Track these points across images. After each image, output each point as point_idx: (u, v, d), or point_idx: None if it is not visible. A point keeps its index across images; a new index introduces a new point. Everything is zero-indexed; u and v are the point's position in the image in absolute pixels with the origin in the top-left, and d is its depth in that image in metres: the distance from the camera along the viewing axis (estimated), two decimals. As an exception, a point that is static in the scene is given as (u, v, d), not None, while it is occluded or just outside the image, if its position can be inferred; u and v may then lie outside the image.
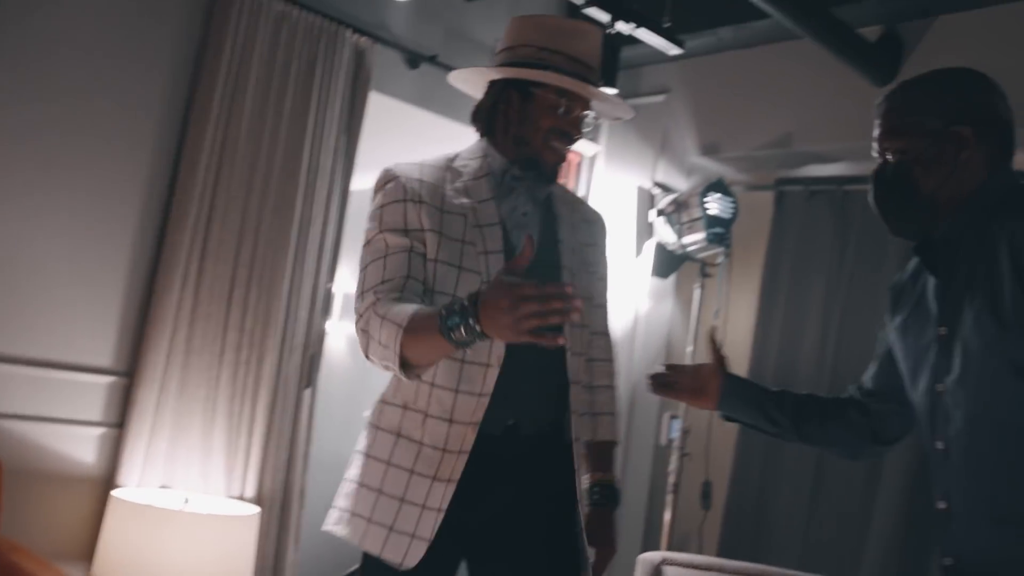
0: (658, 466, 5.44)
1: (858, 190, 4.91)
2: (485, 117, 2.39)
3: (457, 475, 2.12)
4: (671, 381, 2.32)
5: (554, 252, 2.31)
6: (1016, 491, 1.64)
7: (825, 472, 4.74)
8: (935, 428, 1.83)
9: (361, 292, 2.17)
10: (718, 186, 4.85)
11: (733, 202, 4.86)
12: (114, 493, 3.54)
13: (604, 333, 2.57)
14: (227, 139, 3.95)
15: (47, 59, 3.62)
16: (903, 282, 2.00)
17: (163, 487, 3.76)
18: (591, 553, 2.29)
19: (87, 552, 3.64)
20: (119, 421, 3.80)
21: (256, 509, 3.76)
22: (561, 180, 5.09)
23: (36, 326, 3.63)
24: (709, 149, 5.15)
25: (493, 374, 2.14)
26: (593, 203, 4.08)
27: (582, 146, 5.22)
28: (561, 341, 1.74)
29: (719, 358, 2.31)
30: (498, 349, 2.15)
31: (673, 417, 5.04)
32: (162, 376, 3.80)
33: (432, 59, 4.69)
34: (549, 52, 2.23)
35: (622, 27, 4.10)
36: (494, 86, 2.36)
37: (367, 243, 2.24)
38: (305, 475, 4.21)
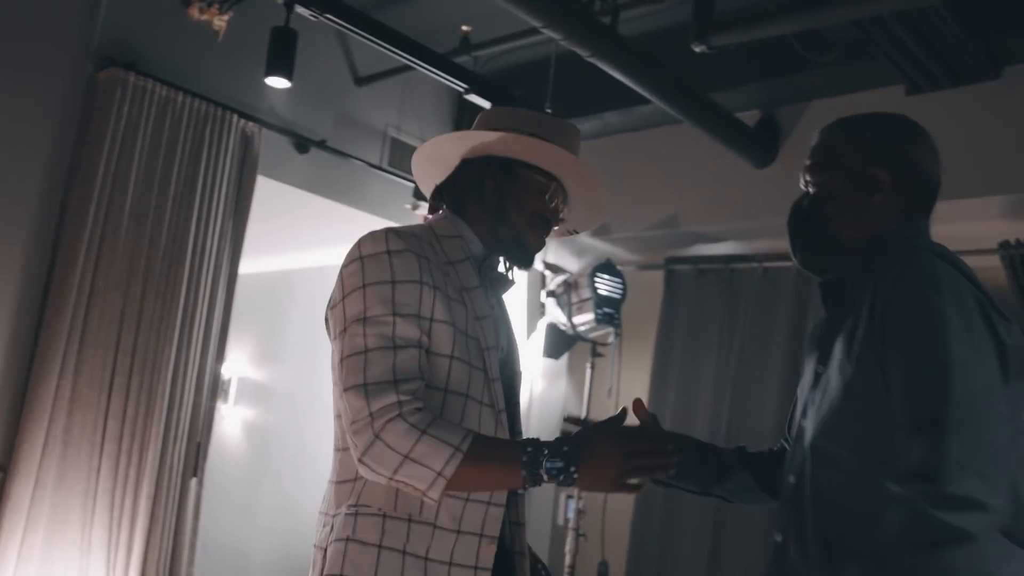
0: (555, 546, 5.40)
1: (745, 268, 5.05)
2: (458, 194, 2.08)
3: None
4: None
5: (514, 351, 2.14)
6: (841, 529, 1.68)
7: (723, 548, 4.77)
8: (792, 462, 1.85)
9: (364, 384, 1.76)
10: (607, 267, 4.94)
11: (621, 282, 4.94)
12: (-17, 594, 3.37)
13: None
14: (108, 224, 3.87)
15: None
16: (818, 324, 2.00)
17: (38, 586, 3.59)
18: None
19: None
20: (-9, 517, 3.63)
21: (137, 606, 3.61)
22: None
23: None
24: (599, 230, 5.24)
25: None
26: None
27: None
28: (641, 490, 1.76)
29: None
30: None
31: (569, 497, 5.03)
32: (37, 469, 3.65)
33: (321, 143, 4.70)
34: (537, 138, 2.04)
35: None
36: (471, 163, 2.08)
37: (365, 319, 1.80)
38: (192, 567, 4.07)
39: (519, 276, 2.27)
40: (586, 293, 4.84)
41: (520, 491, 1.85)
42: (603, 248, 5.38)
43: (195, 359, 4.12)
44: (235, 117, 4.28)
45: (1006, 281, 4.24)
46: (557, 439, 1.73)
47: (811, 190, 1.88)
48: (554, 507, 5.37)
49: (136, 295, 3.93)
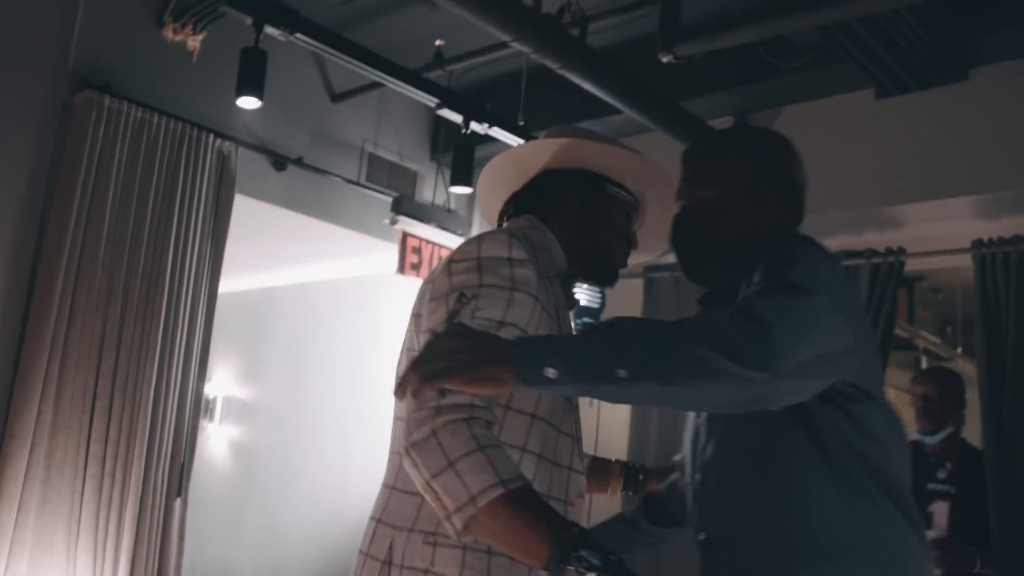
0: None
1: (722, 274, 5.06)
2: (542, 204, 1.97)
3: None
4: None
5: None
6: (756, 510, 1.73)
7: None
8: (695, 462, 1.90)
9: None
10: (585, 280, 4.96)
11: (601, 291, 4.97)
12: (-32, 619, 3.37)
13: None
14: (86, 247, 3.89)
15: None
16: None
17: (22, 610, 3.60)
18: None
19: None
20: (-26, 543, 3.63)
21: (123, 627, 3.62)
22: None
23: None
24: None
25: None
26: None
27: (454, 241, 5.30)
28: None
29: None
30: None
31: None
32: (21, 494, 3.66)
33: (298, 161, 4.73)
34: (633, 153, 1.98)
35: (476, 127, 4.22)
36: (558, 173, 1.97)
37: (473, 319, 1.65)
38: (177, 588, 4.08)
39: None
40: (565, 303, 4.87)
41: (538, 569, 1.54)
42: (582, 258, 5.40)
43: (177, 379, 4.13)
44: (211, 137, 4.30)
45: (974, 280, 4.27)
46: (607, 546, 1.44)
47: (693, 203, 1.89)
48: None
49: (116, 317, 3.94)
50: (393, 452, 1.84)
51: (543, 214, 1.94)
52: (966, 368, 7.56)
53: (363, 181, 5.12)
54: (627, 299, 5.33)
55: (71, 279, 3.85)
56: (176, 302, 4.14)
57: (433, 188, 5.50)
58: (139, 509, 3.92)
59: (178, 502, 4.12)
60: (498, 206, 2.06)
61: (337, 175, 4.96)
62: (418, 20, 4.58)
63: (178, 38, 4.32)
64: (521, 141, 4.36)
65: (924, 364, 7.58)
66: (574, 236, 1.92)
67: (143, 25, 4.25)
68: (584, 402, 5.13)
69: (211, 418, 5.99)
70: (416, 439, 1.54)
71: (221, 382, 6.00)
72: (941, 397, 3.76)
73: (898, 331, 6.95)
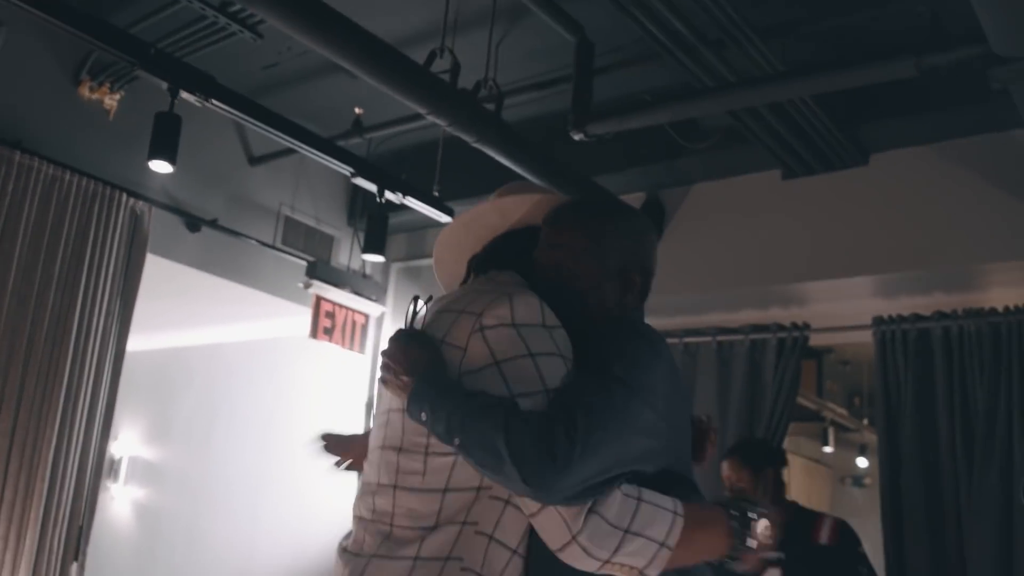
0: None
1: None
2: (523, 260, 1.96)
3: None
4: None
5: None
6: None
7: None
8: None
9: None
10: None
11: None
12: None
13: None
14: (-11, 304, 3.83)
15: None
16: None
17: None
18: None
19: None
20: None
21: None
22: (347, 341, 5.17)
23: None
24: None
25: None
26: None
27: (368, 306, 5.31)
28: None
29: None
30: None
31: None
32: (-93, 557, 3.55)
33: (213, 222, 4.71)
34: None
35: (391, 196, 4.27)
36: (533, 231, 1.96)
37: (546, 390, 1.64)
38: (70, 658, 3.96)
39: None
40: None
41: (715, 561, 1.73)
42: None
43: (79, 439, 4.06)
44: (124, 196, 4.27)
45: (874, 354, 4.41)
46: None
47: (562, 266, 1.87)
48: None
49: (16, 375, 3.87)
50: (379, 484, 1.78)
51: (526, 272, 1.90)
52: (872, 439, 7.75)
53: (279, 244, 5.12)
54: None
55: (-28, 337, 3.78)
56: (81, 360, 4.08)
57: (349, 253, 5.51)
58: (32, 574, 3.82)
59: (74, 567, 4.02)
60: (459, 261, 2.03)
61: (253, 238, 4.95)
62: (338, 88, 4.63)
63: (95, 96, 4.32)
64: (434, 211, 4.41)
65: (832, 434, 7.76)
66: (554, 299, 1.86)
67: (59, 82, 4.24)
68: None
69: (116, 479, 5.88)
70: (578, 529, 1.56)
71: (127, 442, 5.89)
72: (741, 480, 3.85)
73: (807, 402, 7.11)
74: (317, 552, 5.37)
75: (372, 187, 4.23)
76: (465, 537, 1.66)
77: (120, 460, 5.88)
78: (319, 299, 5.01)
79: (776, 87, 3.59)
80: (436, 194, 4.40)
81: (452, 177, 4.63)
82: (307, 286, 4.99)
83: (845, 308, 4.67)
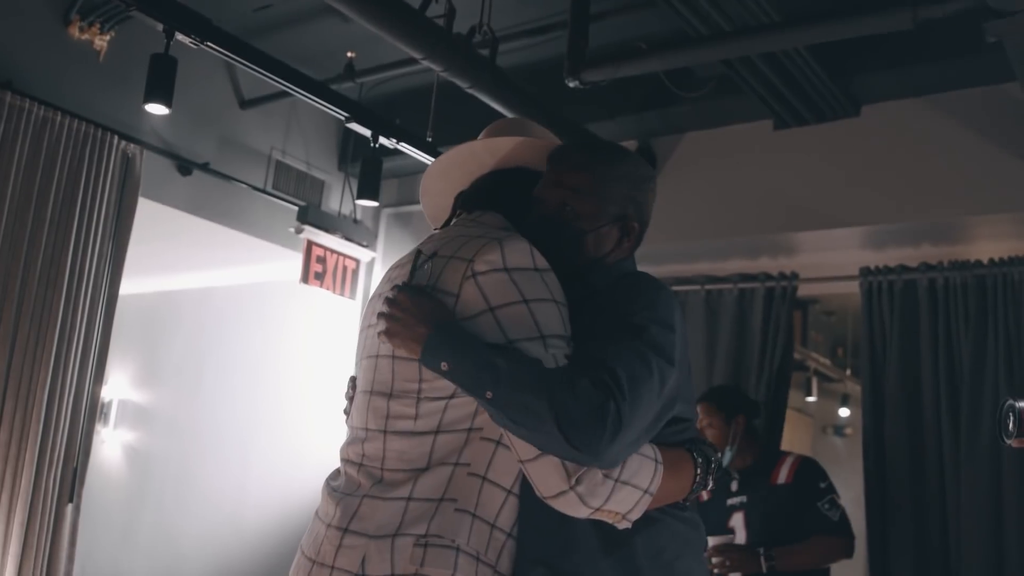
0: None
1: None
2: (511, 201, 1.96)
3: None
4: None
5: None
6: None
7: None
8: None
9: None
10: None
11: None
12: None
13: None
14: (-18, 246, 3.82)
15: None
16: None
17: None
18: None
19: None
20: None
21: (7, 635, 3.56)
22: (337, 287, 5.19)
23: None
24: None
25: None
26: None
27: (359, 252, 5.32)
28: None
29: None
30: None
31: None
32: (-97, 496, 3.58)
33: (204, 166, 4.70)
34: None
35: (385, 142, 4.26)
36: (525, 175, 1.96)
37: (543, 337, 1.66)
38: (65, 595, 4.02)
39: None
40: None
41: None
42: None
43: (72, 382, 4.08)
44: (116, 138, 4.25)
45: (861, 305, 4.46)
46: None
47: (562, 207, 1.87)
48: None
49: (10, 318, 3.88)
50: (367, 429, 1.79)
51: (512, 216, 1.90)
52: (854, 389, 7.84)
53: (269, 189, 5.11)
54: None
55: (-35, 279, 3.78)
56: (74, 304, 4.08)
57: (340, 198, 5.51)
58: (28, 515, 3.86)
59: (70, 508, 4.06)
60: (447, 194, 2.01)
61: (243, 182, 4.94)
62: (330, 31, 4.61)
63: (84, 37, 4.28)
64: (428, 157, 4.40)
65: (815, 384, 7.84)
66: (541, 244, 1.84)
67: (49, 22, 4.20)
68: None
69: (105, 422, 5.90)
70: (575, 477, 1.60)
71: (117, 385, 5.91)
72: (712, 425, 3.97)
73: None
74: (307, 494, 5.43)
75: (366, 132, 4.22)
76: (458, 478, 1.68)
77: (110, 403, 5.90)
78: (310, 244, 5.02)
79: (772, 37, 3.59)
80: (429, 140, 4.40)
81: (443, 122, 4.63)
82: (298, 231, 4.99)
83: (833, 258, 4.72)
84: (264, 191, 5.06)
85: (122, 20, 4.24)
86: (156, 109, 3.81)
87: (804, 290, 4.78)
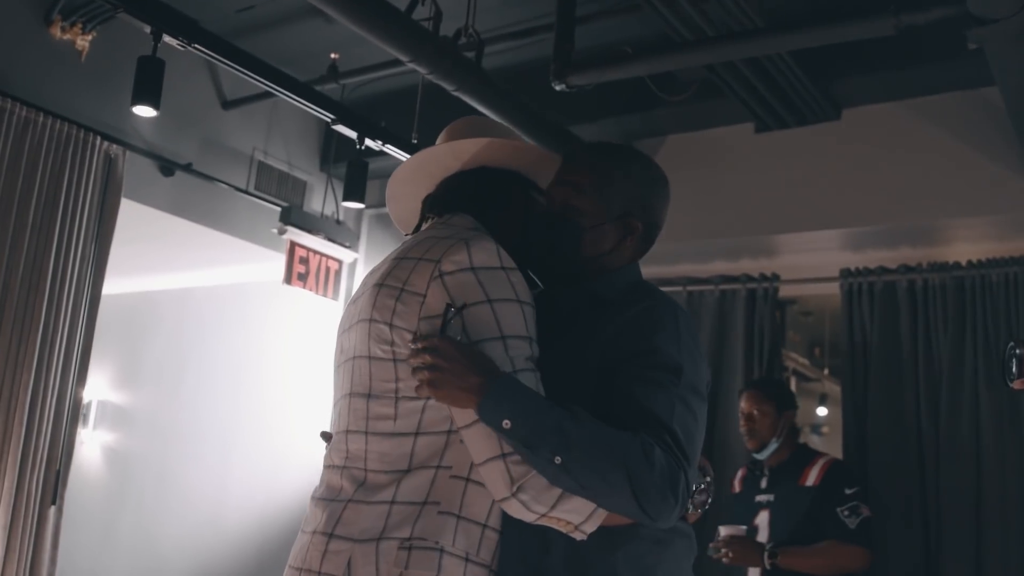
0: None
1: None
2: (482, 205, 1.94)
3: None
4: None
5: None
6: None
7: None
8: None
9: None
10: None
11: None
12: None
13: None
14: (-36, 247, 3.80)
15: None
16: None
17: None
18: None
19: None
20: None
21: (-10, 638, 3.54)
22: (320, 287, 5.18)
23: None
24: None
25: None
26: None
27: (342, 253, 5.31)
28: None
29: None
30: None
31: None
32: None
33: (187, 167, 4.68)
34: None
35: (370, 143, 4.27)
36: (493, 172, 1.97)
37: (504, 337, 1.69)
38: (48, 598, 3.99)
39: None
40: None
41: None
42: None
43: (55, 384, 4.05)
44: (98, 139, 4.23)
45: (841, 306, 4.51)
46: None
47: (566, 207, 1.89)
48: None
49: (-8, 321, 3.86)
50: (348, 431, 1.79)
51: (480, 216, 1.91)
52: (832, 388, 7.90)
53: (252, 189, 5.10)
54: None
55: (-53, 280, 3.75)
56: (56, 305, 4.06)
57: (322, 199, 5.50)
58: (11, 518, 3.84)
59: (52, 510, 4.03)
60: (415, 198, 2.02)
61: (226, 183, 4.93)
62: (313, 33, 4.60)
63: (66, 37, 4.26)
64: (414, 159, 4.40)
65: (793, 384, 7.89)
66: (510, 240, 1.85)
67: (30, 22, 4.17)
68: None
69: (85, 423, 5.86)
70: (517, 481, 1.61)
71: (96, 386, 5.87)
72: (765, 415, 3.92)
73: (769, 351, 7.22)
74: (288, 496, 5.43)
75: (352, 134, 4.22)
76: (440, 481, 1.69)
77: (89, 404, 5.86)
78: (293, 245, 5.01)
79: (756, 42, 3.62)
80: (415, 142, 4.40)
81: (427, 124, 4.63)
82: (281, 232, 4.98)
83: (813, 260, 4.77)
84: (247, 192, 5.05)
85: (104, 20, 4.22)
86: (144, 111, 3.80)
87: (785, 291, 4.83)
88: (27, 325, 3.94)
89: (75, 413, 4.17)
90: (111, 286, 4.44)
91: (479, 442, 1.65)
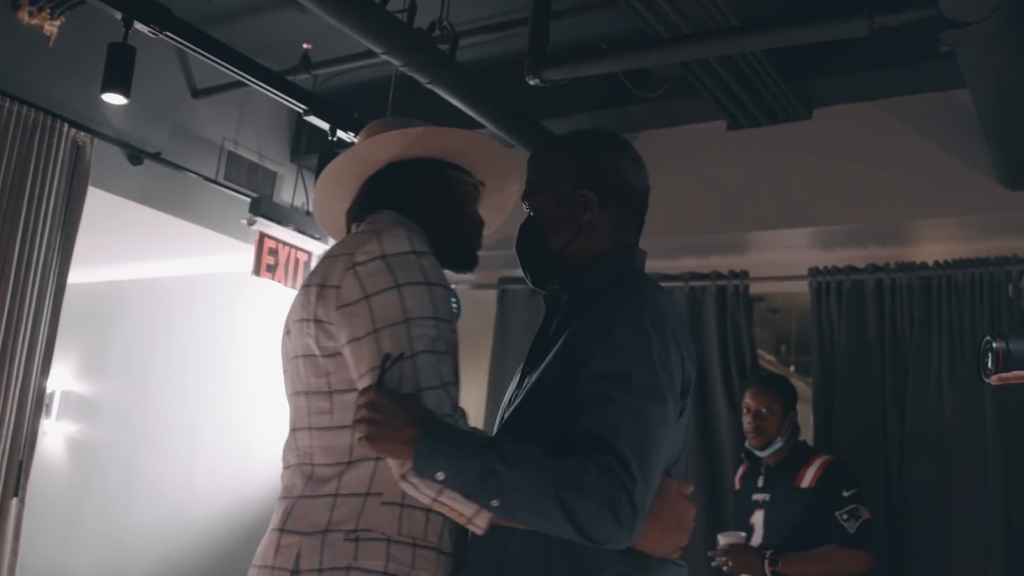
0: None
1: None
2: (397, 200, 1.95)
3: None
4: None
5: None
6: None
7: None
8: None
9: (443, 384, 1.71)
10: (442, 285, 5.03)
11: (456, 301, 5.04)
12: None
13: None
14: (-72, 234, 3.74)
15: None
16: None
17: None
18: None
19: None
20: None
21: (-49, 631, 3.50)
22: (289, 279, 5.15)
23: None
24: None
25: None
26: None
27: (311, 244, 5.28)
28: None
29: None
30: None
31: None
32: None
33: (156, 156, 4.64)
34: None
35: (342, 135, 4.24)
36: (398, 167, 1.98)
37: (408, 321, 1.71)
38: (10, 590, 3.95)
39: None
40: (421, 312, 4.91)
41: None
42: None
43: (18, 374, 4.00)
44: (66, 126, 4.18)
45: (810, 304, 4.54)
46: None
47: (530, 213, 1.90)
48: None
49: (-44, 309, 3.80)
50: (302, 463, 1.81)
51: (400, 208, 1.93)
52: (798, 385, 7.95)
53: (221, 180, 5.05)
54: (482, 310, 5.43)
55: (-91, 268, 3.69)
56: (21, 295, 4.01)
57: (292, 190, 5.46)
58: (-27, 509, 3.79)
59: (14, 501, 3.99)
60: (341, 212, 2.05)
61: (195, 172, 4.88)
62: (286, 22, 4.56)
63: (34, 21, 4.19)
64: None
65: (758, 381, 7.94)
66: (434, 225, 1.91)
67: (-3, 6, 4.11)
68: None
69: (48, 414, 5.79)
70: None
71: (59, 376, 5.79)
72: (774, 413, 3.88)
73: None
74: (256, 488, 5.39)
75: (325, 125, 4.20)
76: (382, 472, 1.71)
77: (53, 395, 5.79)
78: (263, 236, 4.97)
79: (731, 40, 3.63)
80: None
81: (400, 115, 4.61)
82: (251, 222, 4.94)
83: (783, 258, 4.79)
84: (216, 182, 5.00)
85: (73, 5, 4.15)
86: (113, 99, 3.76)
87: (754, 289, 4.85)
88: (-9, 314, 3.89)
89: (39, 403, 4.13)
90: (77, 275, 4.39)
91: None
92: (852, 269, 4.45)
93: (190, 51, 3.66)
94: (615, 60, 3.77)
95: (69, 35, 4.23)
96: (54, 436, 5.86)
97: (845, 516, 3.62)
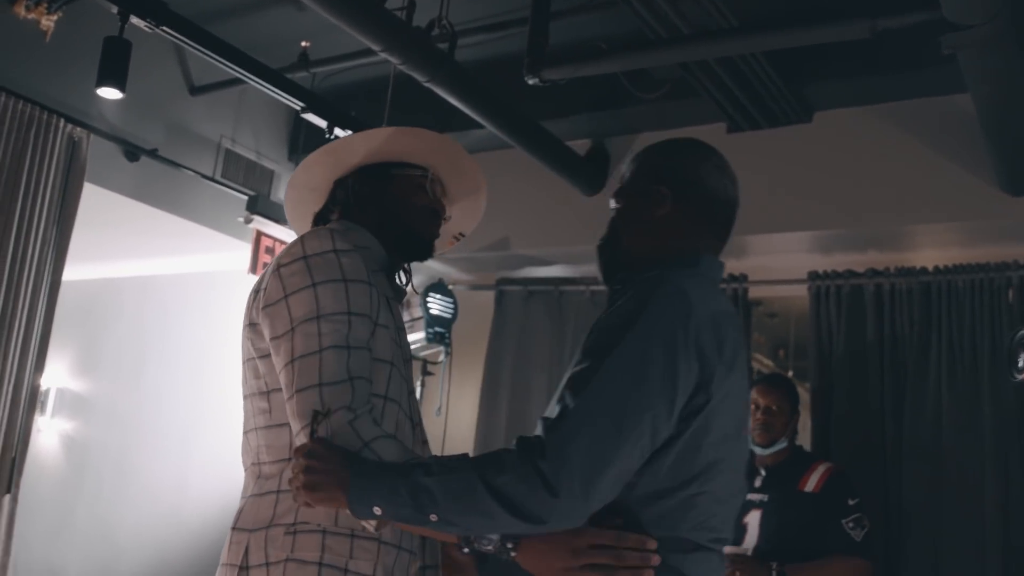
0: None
1: (573, 291, 5.21)
2: (345, 209, 2.04)
3: None
4: None
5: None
6: None
7: None
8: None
9: (320, 384, 1.70)
10: (438, 287, 5.02)
11: (453, 302, 5.02)
12: None
13: None
14: (-79, 229, 3.72)
15: None
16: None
17: None
18: None
19: None
20: None
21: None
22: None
23: None
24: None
25: None
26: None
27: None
28: None
29: None
30: None
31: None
32: None
33: (152, 152, 4.61)
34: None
35: (340, 133, 4.22)
36: (343, 180, 2.06)
37: (319, 317, 1.75)
38: (1, 588, 3.93)
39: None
40: (418, 312, 4.90)
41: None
42: (435, 268, 5.45)
43: (12, 371, 3.98)
44: (62, 122, 4.16)
45: (809, 309, 4.52)
46: None
47: (612, 215, 1.91)
48: None
49: (-52, 304, 3.78)
50: (252, 463, 1.90)
51: (349, 217, 2.02)
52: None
53: (218, 177, 5.03)
54: (479, 311, 5.41)
55: (-98, 262, 3.67)
56: (15, 291, 3.99)
57: (290, 188, 5.43)
58: (-37, 505, 3.77)
59: (7, 499, 3.97)
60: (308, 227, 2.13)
61: (192, 169, 4.86)
62: (284, 20, 4.54)
63: (31, 16, 4.16)
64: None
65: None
66: (381, 225, 2.01)
67: (-7, 0, 4.08)
68: (432, 410, 5.14)
69: (42, 411, 5.77)
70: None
71: (54, 374, 5.78)
72: (783, 412, 3.85)
73: (734, 352, 7.24)
74: (249, 488, 5.36)
75: (322, 123, 4.17)
76: None
77: (47, 392, 5.77)
78: (259, 234, 4.95)
79: (731, 42, 3.61)
80: (386, 133, 4.35)
81: (398, 114, 4.59)
82: (248, 221, 4.92)
83: (782, 262, 4.77)
84: (213, 179, 4.98)
85: (70, 0, 4.13)
86: (109, 93, 3.74)
87: (752, 293, 4.83)
88: (-16, 309, 3.87)
89: (32, 400, 4.11)
90: (72, 272, 4.37)
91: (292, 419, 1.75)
92: (851, 274, 4.43)
93: (187, 47, 3.63)
94: (614, 60, 3.75)
95: (66, 30, 4.19)
96: (48, 434, 5.84)
97: (851, 524, 3.60)
